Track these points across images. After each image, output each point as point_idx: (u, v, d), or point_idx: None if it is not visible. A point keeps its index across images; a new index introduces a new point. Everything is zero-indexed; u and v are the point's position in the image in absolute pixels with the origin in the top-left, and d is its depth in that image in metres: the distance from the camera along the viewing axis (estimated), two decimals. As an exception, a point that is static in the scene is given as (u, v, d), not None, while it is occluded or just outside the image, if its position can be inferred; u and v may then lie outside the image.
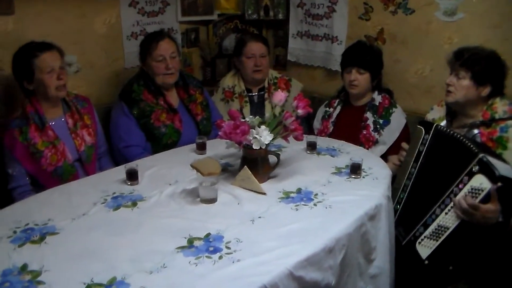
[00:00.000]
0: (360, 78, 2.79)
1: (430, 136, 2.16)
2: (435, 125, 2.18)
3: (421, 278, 2.09)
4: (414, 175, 2.20)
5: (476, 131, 2.19)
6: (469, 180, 1.90)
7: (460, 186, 1.93)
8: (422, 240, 2.03)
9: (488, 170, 1.84)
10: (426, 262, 1.99)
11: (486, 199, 1.84)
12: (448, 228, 1.95)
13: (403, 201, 2.22)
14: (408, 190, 2.22)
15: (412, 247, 2.06)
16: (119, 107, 2.73)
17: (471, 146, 1.95)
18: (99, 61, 3.02)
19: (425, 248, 2.01)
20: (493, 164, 1.85)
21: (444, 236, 1.95)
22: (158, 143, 2.71)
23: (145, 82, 2.76)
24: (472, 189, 1.89)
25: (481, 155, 1.87)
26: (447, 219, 1.96)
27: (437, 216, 2.00)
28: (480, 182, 1.86)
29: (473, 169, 1.89)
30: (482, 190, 1.85)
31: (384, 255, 1.95)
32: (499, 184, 1.81)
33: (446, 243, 1.95)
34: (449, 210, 1.96)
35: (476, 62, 2.17)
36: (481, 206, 1.83)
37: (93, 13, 2.93)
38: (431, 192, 2.06)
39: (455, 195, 1.94)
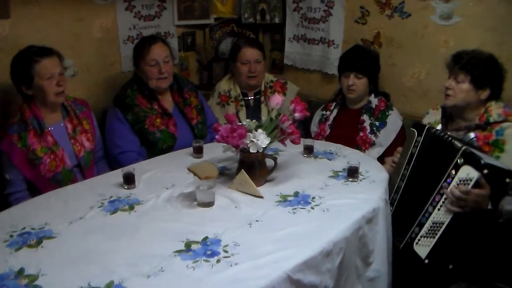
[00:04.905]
0: (358, 83, 2.79)
1: (422, 138, 2.18)
2: (426, 127, 2.20)
3: (420, 281, 2.09)
4: (406, 176, 2.22)
5: (472, 135, 2.20)
6: (456, 173, 1.95)
7: (448, 180, 1.97)
8: (419, 240, 2.04)
9: (473, 160, 1.90)
10: (426, 261, 2.00)
11: (475, 188, 1.88)
12: (443, 223, 1.97)
13: (396, 202, 2.24)
14: (400, 192, 2.23)
15: (410, 249, 2.07)
16: (113, 112, 2.72)
17: (455, 142, 1.99)
18: (96, 65, 3.02)
19: (423, 247, 2.02)
20: (476, 153, 1.90)
21: (440, 232, 1.97)
22: (153, 148, 2.70)
23: (139, 87, 2.74)
24: (460, 180, 1.92)
25: (464, 147, 1.92)
26: (441, 215, 1.98)
27: (430, 214, 2.02)
28: (467, 172, 1.91)
29: (458, 162, 1.94)
30: (470, 180, 1.89)
31: (382, 258, 1.95)
32: (486, 171, 1.85)
33: (443, 239, 1.96)
34: (441, 206, 1.98)
35: (475, 66, 2.18)
36: (473, 191, 1.87)
37: (90, 17, 2.92)
38: (422, 192, 2.08)
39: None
